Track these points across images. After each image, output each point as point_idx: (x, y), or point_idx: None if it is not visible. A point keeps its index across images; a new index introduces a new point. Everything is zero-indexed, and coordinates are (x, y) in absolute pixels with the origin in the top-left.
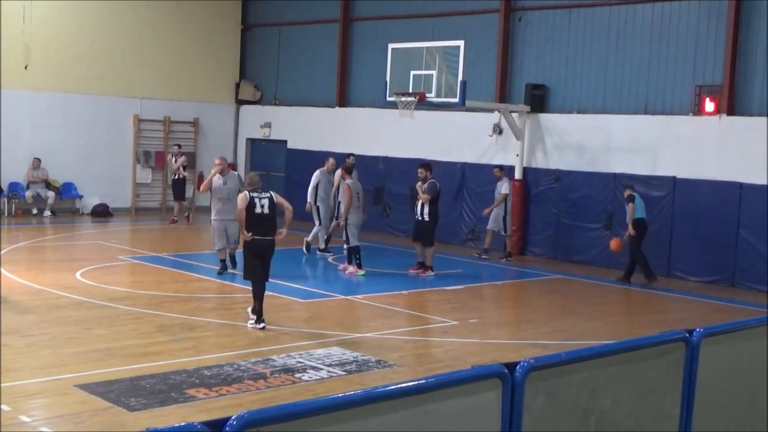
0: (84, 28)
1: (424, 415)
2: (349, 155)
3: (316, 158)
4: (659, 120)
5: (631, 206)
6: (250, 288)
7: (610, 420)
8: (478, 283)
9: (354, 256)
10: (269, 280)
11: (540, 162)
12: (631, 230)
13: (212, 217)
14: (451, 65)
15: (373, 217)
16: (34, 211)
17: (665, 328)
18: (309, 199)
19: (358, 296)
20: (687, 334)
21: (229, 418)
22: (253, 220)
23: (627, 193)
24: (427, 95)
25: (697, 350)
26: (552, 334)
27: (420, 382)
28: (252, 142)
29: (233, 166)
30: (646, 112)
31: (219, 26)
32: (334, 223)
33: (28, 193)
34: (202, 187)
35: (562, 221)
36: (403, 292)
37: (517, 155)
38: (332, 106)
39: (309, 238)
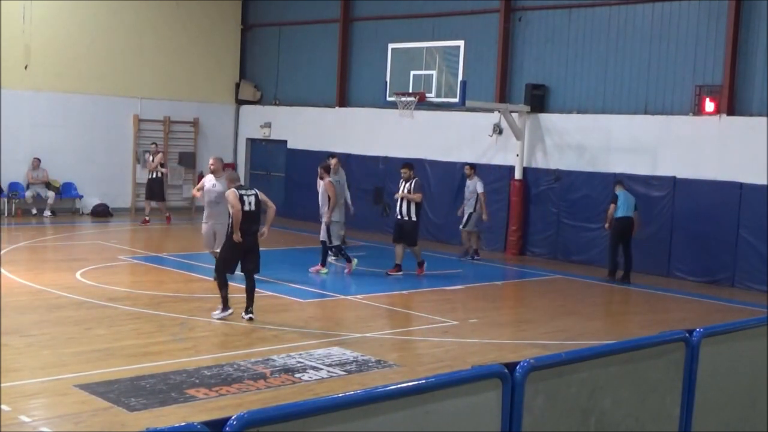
0: (84, 28)
1: (424, 415)
2: (330, 156)
3: (316, 158)
4: (659, 120)
5: (613, 207)
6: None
7: (610, 420)
8: (478, 283)
9: (340, 253)
10: (258, 274)
11: (540, 162)
12: (607, 226)
13: (202, 221)
14: (451, 65)
15: (373, 217)
16: (34, 211)
17: (665, 328)
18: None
19: (358, 296)
20: (687, 334)
21: (229, 418)
22: (241, 217)
23: (617, 190)
24: (427, 95)
25: (697, 350)
26: (552, 334)
27: (420, 382)
28: (252, 142)
29: (232, 166)
30: (646, 112)
31: (219, 26)
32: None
33: (28, 193)
34: (193, 191)
35: (562, 221)
36: (403, 292)
37: (517, 155)
38: (332, 106)
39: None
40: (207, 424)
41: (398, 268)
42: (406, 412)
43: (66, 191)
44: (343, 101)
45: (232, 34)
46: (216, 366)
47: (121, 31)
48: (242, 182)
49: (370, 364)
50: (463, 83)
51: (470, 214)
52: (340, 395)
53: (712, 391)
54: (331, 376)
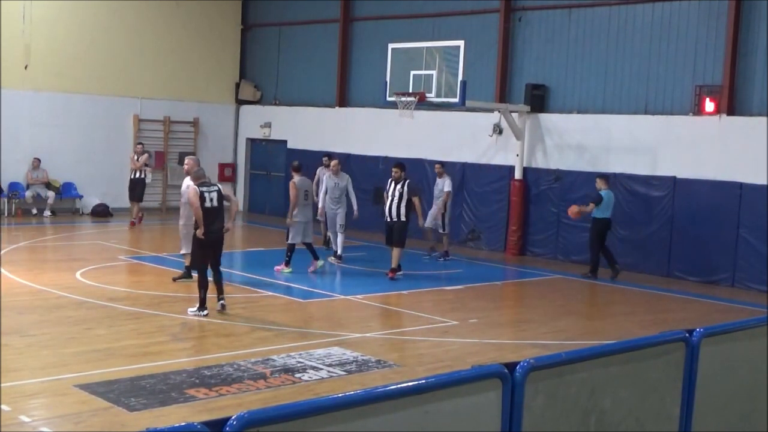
0: (84, 28)
1: (424, 415)
2: (328, 156)
3: (316, 158)
4: (659, 120)
5: (592, 206)
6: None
7: (610, 420)
8: (478, 283)
9: (287, 252)
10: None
11: (540, 162)
12: (586, 208)
13: (181, 222)
14: (451, 65)
15: (373, 217)
16: (34, 211)
17: (665, 328)
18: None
19: (358, 296)
20: (687, 334)
21: (229, 418)
22: (202, 213)
23: (598, 185)
24: (427, 95)
25: (697, 350)
26: (552, 334)
27: (420, 382)
28: (252, 142)
29: (232, 167)
30: (646, 112)
31: (219, 26)
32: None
33: (28, 193)
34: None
35: (562, 221)
36: (403, 292)
37: (517, 155)
38: (332, 106)
39: (339, 251)
40: (207, 424)
41: (399, 268)
42: (406, 412)
43: (66, 191)
44: (343, 101)
45: (232, 34)
46: (216, 366)
47: (121, 31)
48: (207, 179)
49: (370, 364)
50: (463, 83)
51: (443, 215)
52: (340, 395)
53: (712, 391)
54: (331, 376)
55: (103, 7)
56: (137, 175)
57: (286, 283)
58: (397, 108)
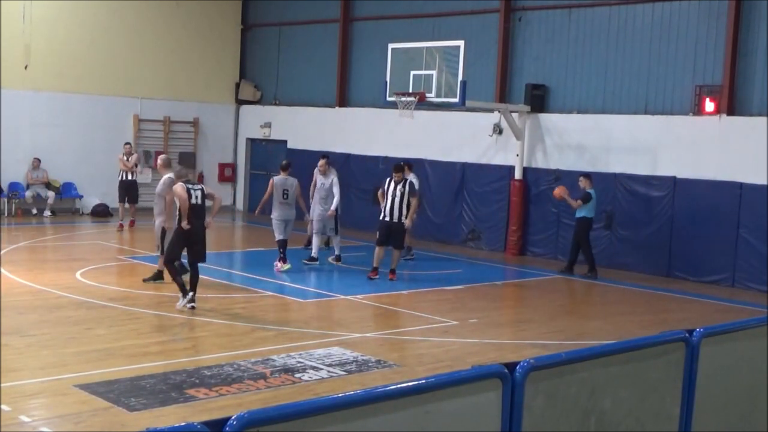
0: (84, 28)
1: (424, 415)
2: (322, 156)
3: (316, 158)
4: (659, 120)
5: (579, 203)
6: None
7: (610, 420)
8: (478, 283)
9: (279, 249)
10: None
11: (540, 162)
12: (572, 201)
13: (157, 222)
14: (451, 65)
15: (373, 217)
16: (34, 211)
17: (665, 328)
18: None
19: (358, 296)
20: (687, 334)
21: (229, 418)
22: (188, 210)
23: (582, 184)
24: (427, 95)
25: (697, 350)
26: (552, 334)
27: (420, 382)
28: (252, 142)
29: (232, 167)
30: (646, 112)
31: (219, 26)
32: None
33: (28, 193)
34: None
35: (562, 221)
36: (403, 292)
37: (517, 155)
38: (332, 106)
39: (337, 251)
40: (207, 424)
41: (377, 271)
42: (406, 412)
43: (66, 191)
44: (343, 101)
45: (232, 34)
46: (216, 366)
47: (121, 31)
48: (190, 177)
49: (370, 364)
50: (463, 83)
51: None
52: (340, 395)
53: (712, 391)
54: (331, 376)
55: (103, 7)
56: (129, 177)
57: (287, 283)
58: (397, 108)
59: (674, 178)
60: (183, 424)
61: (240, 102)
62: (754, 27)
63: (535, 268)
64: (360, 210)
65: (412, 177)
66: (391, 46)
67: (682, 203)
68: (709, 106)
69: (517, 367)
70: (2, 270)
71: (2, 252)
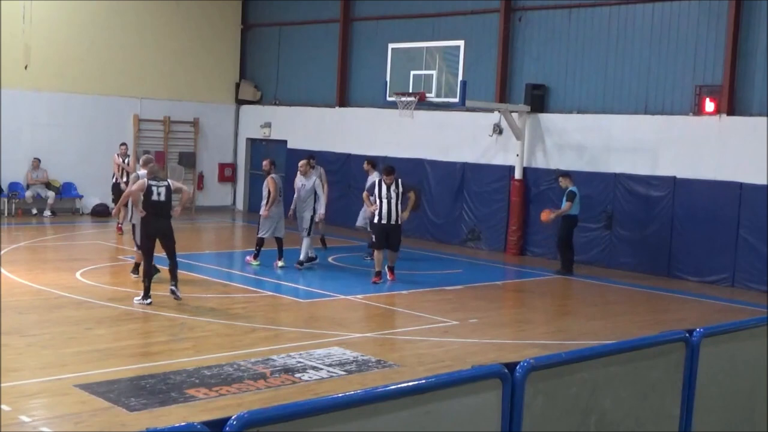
0: (84, 28)
1: (424, 415)
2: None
3: (316, 158)
4: (659, 120)
5: (569, 205)
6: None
7: (610, 420)
8: (478, 283)
9: (257, 246)
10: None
11: (540, 162)
12: (564, 209)
13: (133, 220)
14: (451, 65)
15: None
16: (34, 211)
17: (665, 328)
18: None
19: (358, 296)
20: (687, 334)
21: (229, 418)
22: (150, 205)
23: (563, 184)
24: (427, 95)
25: (697, 350)
26: (552, 334)
27: (420, 382)
28: (252, 142)
29: (232, 167)
30: (646, 112)
31: (219, 26)
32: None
33: (28, 193)
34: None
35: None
36: (403, 292)
37: (517, 155)
38: (332, 106)
39: (302, 257)
40: (207, 424)
41: (380, 275)
42: (406, 412)
43: (66, 191)
44: (343, 101)
45: (232, 34)
46: (216, 366)
47: (121, 31)
48: (159, 175)
49: (370, 364)
50: (463, 83)
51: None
52: (340, 395)
53: (712, 391)
54: (331, 376)
55: (103, 7)
56: (125, 179)
57: (287, 283)
58: (397, 108)
59: (674, 178)
60: (183, 424)
61: (240, 102)
62: (754, 27)
63: (535, 268)
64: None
65: (374, 176)
66: (391, 46)
67: (682, 203)
68: (709, 106)
69: (517, 367)
70: (2, 270)
71: (2, 252)
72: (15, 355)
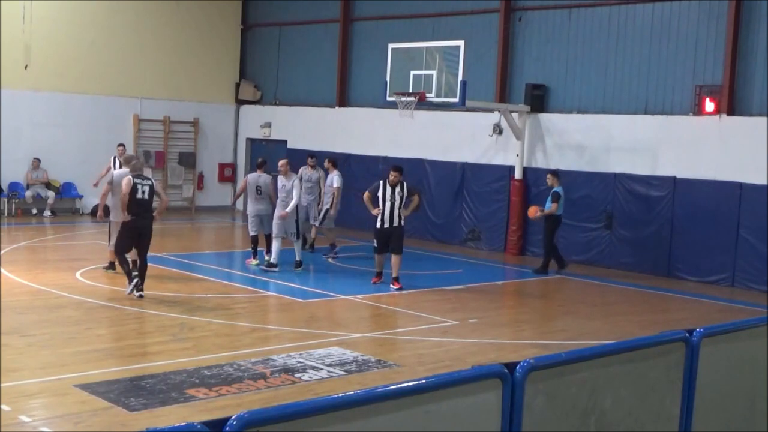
0: (84, 28)
1: (424, 415)
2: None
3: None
4: (659, 120)
5: (555, 206)
6: (121, 263)
7: (610, 420)
8: (478, 283)
9: (251, 245)
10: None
11: (540, 162)
12: (551, 209)
13: (112, 216)
14: (451, 65)
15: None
16: (34, 211)
17: (665, 328)
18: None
19: (358, 296)
20: (687, 334)
21: (229, 418)
22: (133, 203)
23: (550, 182)
24: (427, 95)
25: (697, 350)
26: (552, 334)
27: (420, 382)
28: (252, 142)
29: (232, 167)
30: (646, 112)
31: (219, 26)
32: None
33: (28, 193)
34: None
35: (563, 221)
36: (403, 292)
37: (517, 155)
38: (332, 106)
39: (273, 258)
40: (207, 424)
41: (380, 275)
42: (406, 412)
43: (66, 191)
44: (343, 101)
45: (232, 34)
46: (216, 366)
47: (121, 31)
48: (143, 172)
49: (370, 364)
50: (463, 83)
51: (326, 210)
52: (340, 395)
53: (712, 391)
54: (331, 376)
55: (103, 7)
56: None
57: (287, 283)
58: (397, 108)
59: (674, 178)
60: (183, 424)
61: (240, 102)
62: (754, 27)
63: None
64: (360, 210)
65: (336, 174)
66: (391, 46)
67: (682, 203)
68: (709, 106)
69: (517, 367)
70: (2, 270)
71: (2, 252)
72: (15, 355)
